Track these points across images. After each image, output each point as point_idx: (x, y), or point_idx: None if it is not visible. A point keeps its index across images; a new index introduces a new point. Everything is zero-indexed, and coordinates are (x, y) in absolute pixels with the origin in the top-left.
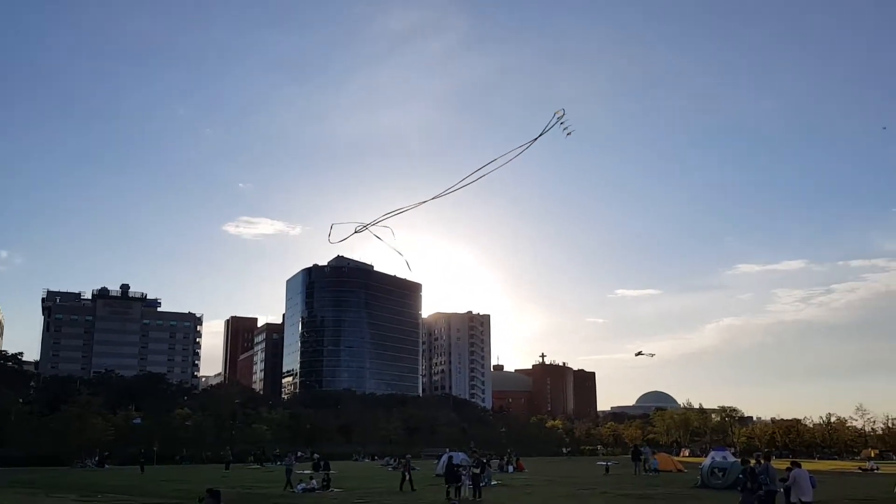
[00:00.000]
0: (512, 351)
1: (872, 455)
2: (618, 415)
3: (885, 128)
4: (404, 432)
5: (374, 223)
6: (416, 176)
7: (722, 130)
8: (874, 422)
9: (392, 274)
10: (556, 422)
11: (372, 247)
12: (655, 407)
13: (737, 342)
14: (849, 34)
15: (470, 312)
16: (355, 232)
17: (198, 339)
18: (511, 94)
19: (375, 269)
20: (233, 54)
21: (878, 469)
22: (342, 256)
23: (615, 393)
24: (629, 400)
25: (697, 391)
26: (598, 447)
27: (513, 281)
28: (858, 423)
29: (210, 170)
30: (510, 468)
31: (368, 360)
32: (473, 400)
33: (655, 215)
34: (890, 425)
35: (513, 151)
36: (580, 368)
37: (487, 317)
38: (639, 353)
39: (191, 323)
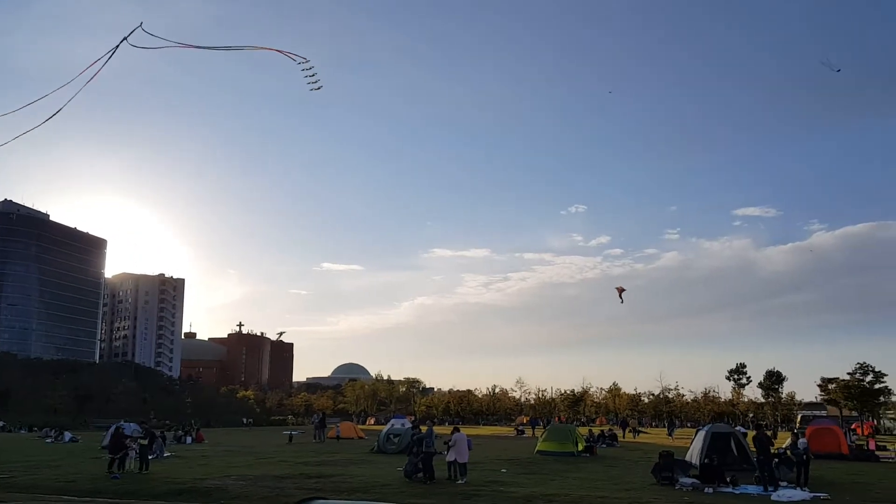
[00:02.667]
0: (207, 318)
1: (525, 421)
2: (312, 385)
3: (610, 92)
4: (74, 401)
5: None
6: (112, 118)
7: (432, 118)
8: (529, 392)
9: (73, 226)
10: (248, 392)
11: (50, 194)
12: (349, 378)
13: (427, 319)
14: (556, 24)
15: (162, 275)
16: None
17: None
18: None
19: (52, 218)
20: None
21: (525, 433)
22: (11, 201)
23: (313, 364)
24: (325, 371)
25: (389, 363)
26: (290, 417)
27: (214, 246)
28: (517, 394)
29: None
30: (188, 439)
31: (35, 321)
32: (159, 368)
33: (365, 194)
34: (540, 396)
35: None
36: (279, 339)
37: (181, 281)
38: (621, 292)
39: None
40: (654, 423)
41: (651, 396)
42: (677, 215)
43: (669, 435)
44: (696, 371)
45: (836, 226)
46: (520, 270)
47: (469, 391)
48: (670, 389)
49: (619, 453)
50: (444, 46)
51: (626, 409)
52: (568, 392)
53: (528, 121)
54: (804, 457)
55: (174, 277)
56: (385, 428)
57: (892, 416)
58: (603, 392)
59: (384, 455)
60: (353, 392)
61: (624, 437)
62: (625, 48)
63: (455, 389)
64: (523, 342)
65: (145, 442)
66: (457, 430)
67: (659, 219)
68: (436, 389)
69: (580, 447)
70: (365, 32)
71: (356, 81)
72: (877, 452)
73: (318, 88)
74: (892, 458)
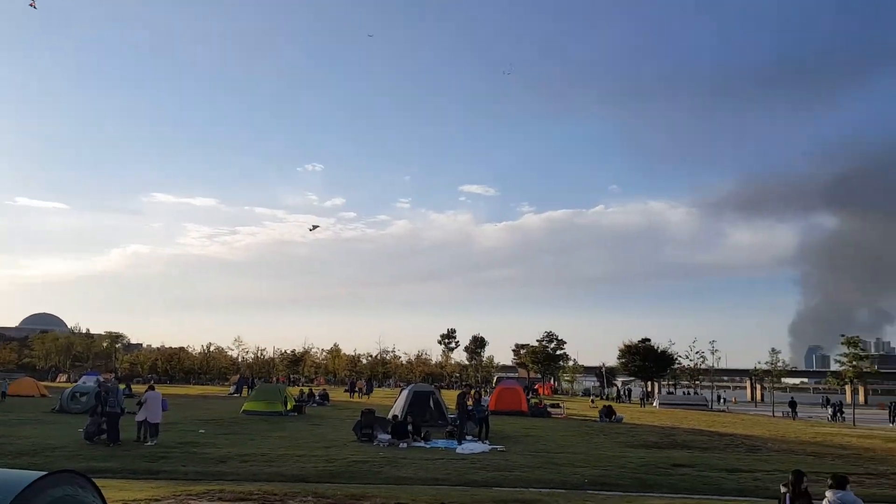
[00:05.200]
0: None
1: (235, 380)
2: None
3: (370, 35)
4: None
5: None
6: None
7: (161, 51)
8: (247, 351)
9: None
10: None
11: None
12: (40, 329)
13: (141, 269)
14: None
15: None
16: None
17: None
18: None
19: None
20: None
21: (238, 395)
22: None
23: None
24: (12, 321)
25: (92, 316)
26: None
27: None
28: (234, 353)
29: None
30: None
31: None
32: None
33: (75, 123)
34: (259, 355)
35: None
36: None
37: None
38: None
39: None
40: (377, 385)
41: (370, 358)
42: (410, 185)
43: (366, 394)
44: (413, 335)
45: (542, 209)
46: (249, 225)
47: (182, 348)
48: (388, 352)
49: (328, 412)
50: None
51: (344, 370)
52: (288, 352)
53: (270, 70)
54: (486, 414)
55: None
56: (74, 386)
57: (568, 378)
58: (324, 353)
59: (67, 415)
60: (42, 345)
61: (351, 397)
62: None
63: (166, 346)
64: (247, 299)
65: None
66: (151, 388)
67: (393, 187)
68: (144, 345)
69: (289, 407)
70: None
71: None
72: (549, 409)
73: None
74: (562, 415)
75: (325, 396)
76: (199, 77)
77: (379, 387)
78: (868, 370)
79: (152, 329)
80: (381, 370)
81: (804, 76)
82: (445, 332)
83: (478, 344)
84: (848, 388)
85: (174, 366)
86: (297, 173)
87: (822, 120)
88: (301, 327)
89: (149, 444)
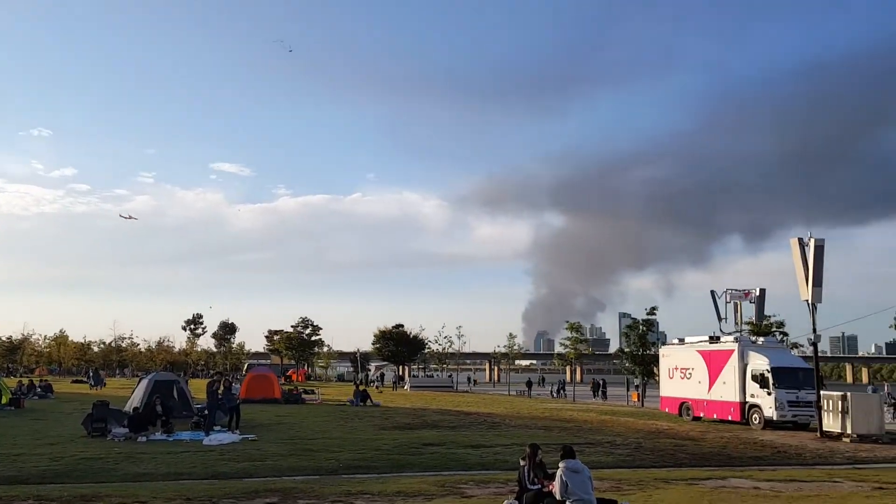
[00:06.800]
0: None
1: None
2: None
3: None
4: None
5: None
6: None
7: None
8: None
9: None
10: None
11: None
12: None
13: None
14: None
15: None
16: None
17: None
18: None
19: None
20: None
21: None
22: None
23: None
24: None
25: None
26: None
27: None
28: None
29: None
30: None
31: None
32: None
33: None
34: None
35: None
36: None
37: None
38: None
39: None
40: (109, 374)
41: (103, 345)
42: (154, 159)
43: (94, 386)
44: (154, 320)
45: (299, 193)
46: None
47: None
48: (124, 338)
49: (52, 406)
50: None
51: (72, 359)
52: (4, 339)
53: None
54: (236, 402)
55: None
56: None
57: (322, 364)
58: (47, 340)
59: None
60: None
61: (91, 388)
62: None
63: None
64: None
65: None
66: None
67: (134, 159)
68: None
69: (4, 400)
70: None
71: None
72: (304, 396)
73: None
74: (317, 401)
75: (48, 388)
76: None
77: (112, 376)
78: (586, 352)
79: None
80: (115, 358)
81: (535, 87)
82: (191, 317)
83: (227, 330)
84: (569, 368)
85: None
86: (20, 138)
87: (550, 129)
88: (21, 311)
89: None
